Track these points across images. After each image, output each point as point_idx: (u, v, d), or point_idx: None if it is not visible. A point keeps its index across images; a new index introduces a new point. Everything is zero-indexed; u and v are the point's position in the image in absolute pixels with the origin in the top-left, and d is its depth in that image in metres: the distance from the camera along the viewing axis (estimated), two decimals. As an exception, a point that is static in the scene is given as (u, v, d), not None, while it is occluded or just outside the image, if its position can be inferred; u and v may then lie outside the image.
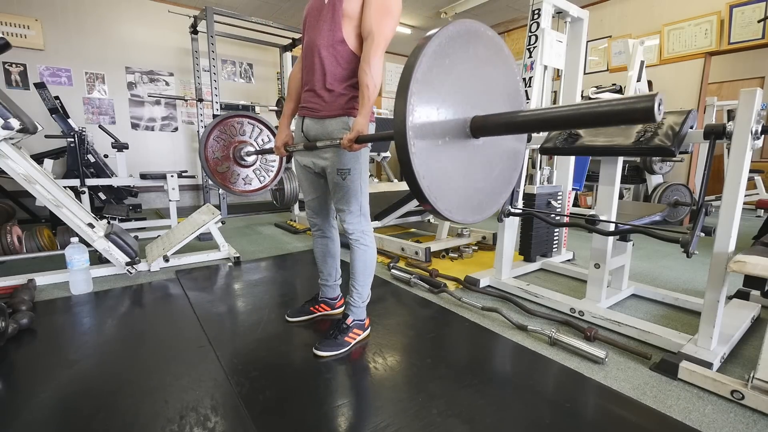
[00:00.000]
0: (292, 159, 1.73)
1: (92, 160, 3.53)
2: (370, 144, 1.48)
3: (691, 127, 1.46)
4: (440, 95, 0.78)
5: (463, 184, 0.89)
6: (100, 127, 4.32)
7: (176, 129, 5.44)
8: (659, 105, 0.48)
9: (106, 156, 3.95)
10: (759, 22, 3.73)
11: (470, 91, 0.84)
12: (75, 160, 3.26)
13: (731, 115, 4.52)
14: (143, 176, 3.41)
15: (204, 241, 3.16)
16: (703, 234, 1.35)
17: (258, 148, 2.03)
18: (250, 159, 2.03)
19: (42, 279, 2.17)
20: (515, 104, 0.96)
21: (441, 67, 0.77)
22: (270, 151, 1.75)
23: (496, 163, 0.95)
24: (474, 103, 0.85)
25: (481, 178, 0.93)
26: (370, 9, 1.30)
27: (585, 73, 4.90)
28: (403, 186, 3.61)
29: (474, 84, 0.85)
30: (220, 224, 2.74)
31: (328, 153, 1.45)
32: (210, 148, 1.95)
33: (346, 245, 1.60)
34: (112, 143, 3.54)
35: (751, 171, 3.32)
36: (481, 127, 0.83)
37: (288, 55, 4.31)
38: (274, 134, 2.05)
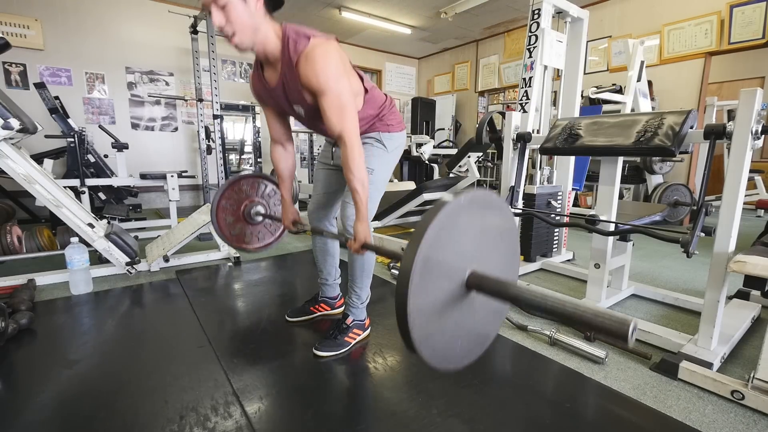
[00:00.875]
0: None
1: (92, 160, 3.53)
2: (399, 152, 1.54)
3: (692, 127, 1.46)
4: (438, 273, 0.80)
5: (463, 338, 0.93)
6: (100, 127, 4.32)
7: (176, 129, 5.44)
8: (633, 332, 0.59)
9: (106, 156, 3.95)
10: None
11: (466, 249, 0.85)
12: (75, 160, 3.25)
13: (731, 115, 4.52)
14: (143, 176, 3.42)
15: (204, 241, 3.16)
16: (703, 234, 1.35)
17: (265, 203, 2.09)
18: (260, 217, 2.08)
19: (42, 279, 2.17)
20: (510, 245, 0.98)
21: (437, 248, 0.78)
22: (278, 219, 1.78)
23: (488, 306, 0.97)
24: (471, 258, 0.86)
25: (479, 322, 0.95)
26: (326, 114, 1.21)
27: (585, 73, 4.90)
28: (404, 186, 3.61)
29: (470, 242, 0.85)
30: (220, 224, 2.74)
31: None
32: (221, 215, 2.00)
33: (345, 245, 1.60)
34: (112, 143, 3.54)
35: (751, 171, 3.32)
36: (476, 285, 0.84)
37: (288, 55, 4.35)
38: (276, 184, 2.06)
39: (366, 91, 1.38)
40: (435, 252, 0.78)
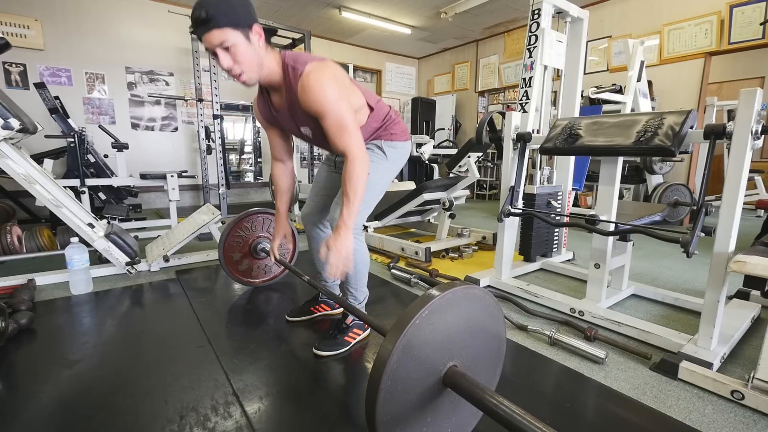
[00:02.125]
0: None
1: (92, 160, 3.53)
2: (400, 162, 1.55)
3: (691, 127, 1.46)
4: (417, 364, 0.79)
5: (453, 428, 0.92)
6: (100, 127, 4.32)
7: (176, 129, 5.44)
8: None
9: (106, 156, 3.95)
10: (761, 24, 3.73)
11: (448, 342, 0.83)
12: (75, 160, 3.25)
13: (731, 115, 4.52)
14: (143, 176, 3.41)
15: (204, 241, 3.16)
16: (703, 234, 1.35)
17: (271, 237, 2.12)
18: (265, 253, 2.10)
19: (42, 279, 2.17)
20: (495, 333, 0.97)
21: (419, 338, 0.77)
22: (282, 263, 1.79)
23: (465, 409, 0.95)
24: (451, 351, 0.84)
25: (452, 421, 0.94)
26: (329, 134, 1.24)
27: (585, 73, 4.90)
28: (404, 186, 3.61)
29: (452, 334, 0.84)
30: (220, 224, 2.74)
31: None
32: (228, 251, 2.04)
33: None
34: (112, 143, 3.54)
35: (751, 171, 3.32)
36: (453, 384, 0.82)
37: (288, 55, 4.35)
38: None
39: (371, 108, 1.43)
40: (416, 341, 0.76)
